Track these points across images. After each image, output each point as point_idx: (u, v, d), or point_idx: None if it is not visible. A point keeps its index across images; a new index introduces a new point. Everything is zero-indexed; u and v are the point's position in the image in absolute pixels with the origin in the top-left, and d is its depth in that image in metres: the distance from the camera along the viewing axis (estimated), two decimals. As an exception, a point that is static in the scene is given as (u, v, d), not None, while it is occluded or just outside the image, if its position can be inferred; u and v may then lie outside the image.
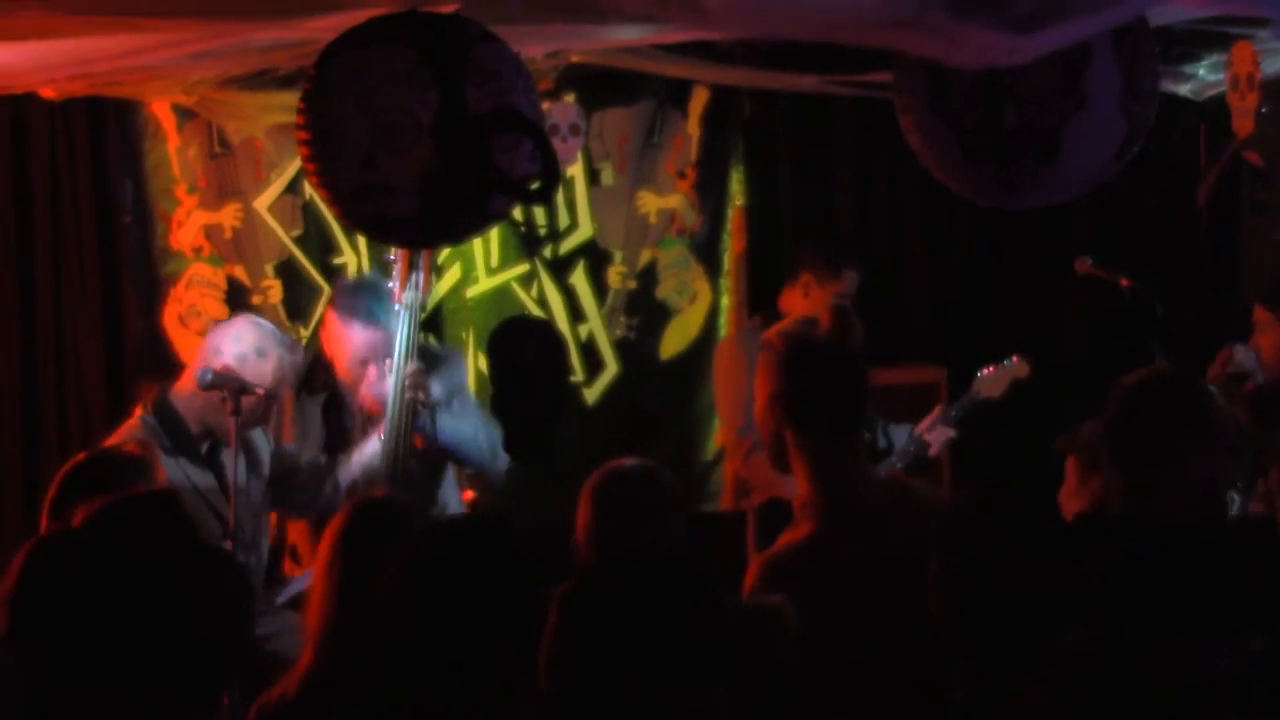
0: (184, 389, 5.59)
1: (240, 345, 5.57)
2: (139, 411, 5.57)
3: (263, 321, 5.86)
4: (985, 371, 6.70)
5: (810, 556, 3.90)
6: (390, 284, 5.80)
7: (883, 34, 4.18)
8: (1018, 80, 4.23)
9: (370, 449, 5.84)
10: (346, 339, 5.92)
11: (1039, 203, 4.62)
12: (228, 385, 5.55)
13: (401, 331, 5.71)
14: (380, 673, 3.28)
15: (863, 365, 4.10)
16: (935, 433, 6.55)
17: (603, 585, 2.84)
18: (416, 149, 4.57)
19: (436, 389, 5.87)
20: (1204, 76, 6.79)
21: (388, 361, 5.77)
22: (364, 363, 5.89)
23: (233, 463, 5.47)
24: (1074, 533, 3.81)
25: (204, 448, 5.58)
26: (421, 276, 5.73)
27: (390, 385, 5.74)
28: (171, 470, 5.28)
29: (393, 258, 5.81)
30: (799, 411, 3.97)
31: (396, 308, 5.75)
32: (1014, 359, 6.71)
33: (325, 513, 5.82)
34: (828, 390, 3.99)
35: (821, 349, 4.11)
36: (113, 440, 5.43)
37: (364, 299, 5.92)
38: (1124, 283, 6.45)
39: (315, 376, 6.13)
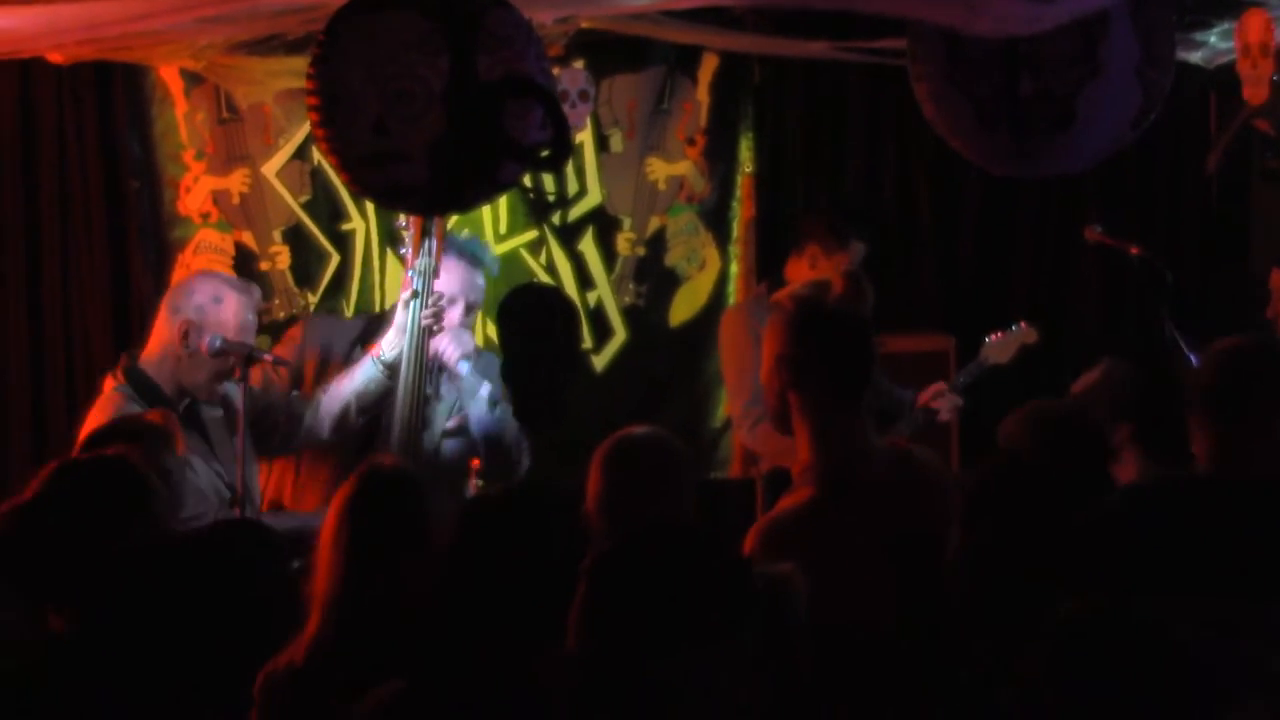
0: (152, 353, 5.57)
1: (196, 297, 5.55)
2: (110, 383, 5.55)
3: (214, 271, 5.85)
4: (993, 337, 6.70)
5: (809, 522, 3.91)
6: (403, 250, 5.80)
7: (900, 2, 4.17)
8: (1034, 47, 4.23)
9: (363, 373, 5.81)
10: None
11: (1054, 171, 4.62)
12: (236, 352, 5.55)
13: (415, 303, 5.71)
14: (389, 638, 3.28)
15: (872, 331, 4.10)
16: (943, 399, 6.54)
17: (631, 555, 2.84)
18: (427, 116, 4.57)
19: (486, 388, 5.92)
20: (1215, 44, 6.77)
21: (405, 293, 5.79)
22: (451, 300, 5.92)
23: (240, 427, 5.47)
24: (1160, 494, 3.80)
25: (182, 408, 5.55)
26: (435, 243, 5.73)
27: (407, 324, 5.74)
28: None
29: (405, 224, 5.80)
30: (805, 373, 3.97)
31: (410, 273, 5.75)
32: (1021, 325, 6.71)
33: (307, 442, 5.86)
34: (835, 354, 3.99)
35: (831, 312, 4.11)
36: (92, 417, 5.42)
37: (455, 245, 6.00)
38: (1133, 250, 6.45)
39: None
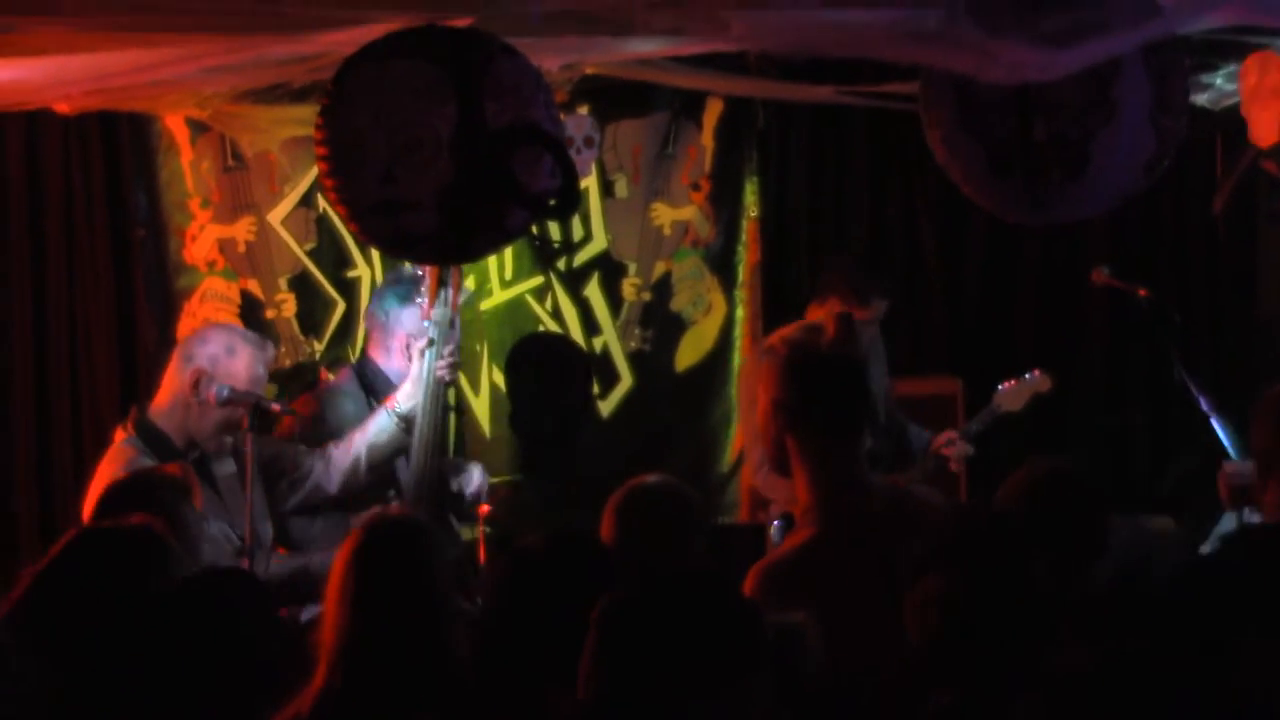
0: (162, 404, 5.54)
1: (209, 347, 5.53)
2: (120, 435, 5.52)
3: (229, 324, 5.84)
4: (1005, 386, 6.69)
5: (808, 562, 3.92)
6: (419, 300, 5.78)
7: (913, 50, 4.17)
8: (1047, 93, 4.22)
9: (376, 425, 5.79)
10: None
11: (1067, 218, 4.61)
12: (244, 401, 5.53)
13: (430, 351, 5.70)
14: (393, 691, 3.26)
15: (864, 372, 4.12)
16: (954, 447, 6.54)
17: (641, 603, 2.83)
18: (435, 164, 4.56)
19: None
20: (1221, 86, 6.77)
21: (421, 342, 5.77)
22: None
23: (248, 476, 5.43)
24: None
25: (191, 460, 5.52)
26: (451, 293, 5.73)
27: (422, 374, 5.73)
28: None
29: (421, 273, 5.79)
30: (800, 417, 3.99)
31: (426, 324, 5.74)
32: (1035, 373, 6.70)
33: (314, 496, 5.82)
34: (828, 396, 4.01)
35: (823, 355, 4.14)
36: (103, 470, 5.39)
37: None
38: (1141, 293, 6.43)
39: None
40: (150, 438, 5.46)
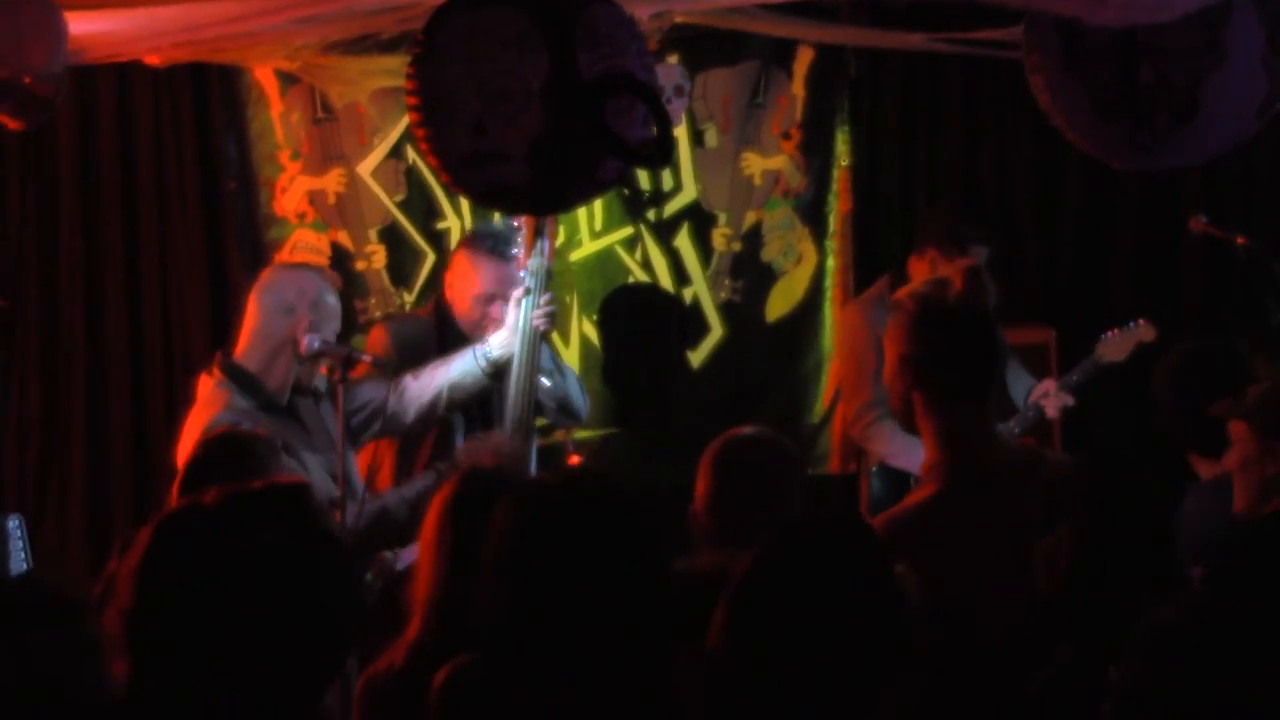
0: (251, 349, 5.58)
1: (306, 295, 5.58)
2: (208, 382, 5.55)
3: (304, 265, 5.87)
4: (1109, 334, 6.57)
5: (932, 518, 3.86)
6: (515, 250, 5.79)
7: (1024, -8, 4.09)
8: (1155, 37, 4.13)
9: (461, 364, 5.81)
10: (474, 274, 6.01)
11: (1176, 163, 4.52)
12: (334, 354, 5.56)
13: (526, 301, 5.72)
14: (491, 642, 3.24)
15: (996, 327, 4.03)
16: (1052, 398, 6.44)
17: (790, 553, 2.80)
18: (526, 114, 4.52)
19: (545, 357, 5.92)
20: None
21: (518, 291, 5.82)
22: (490, 298, 5.96)
23: (339, 427, 5.46)
24: None
25: (283, 402, 5.56)
26: (547, 243, 5.73)
27: (519, 323, 5.74)
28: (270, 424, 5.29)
29: (517, 224, 5.79)
30: (928, 373, 3.92)
31: (522, 274, 5.75)
32: (1140, 322, 6.57)
33: (388, 428, 5.85)
34: (958, 352, 3.94)
35: (952, 310, 4.04)
36: (197, 414, 5.43)
37: (491, 236, 6.04)
38: (1240, 240, 6.34)
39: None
40: (241, 380, 5.49)
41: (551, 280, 5.82)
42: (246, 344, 5.60)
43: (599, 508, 3.01)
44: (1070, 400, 6.46)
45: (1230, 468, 4.14)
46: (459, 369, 5.81)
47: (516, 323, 5.74)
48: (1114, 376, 6.62)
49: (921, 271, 6.33)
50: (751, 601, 2.74)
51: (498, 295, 5.93)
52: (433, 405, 5.83)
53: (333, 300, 5.64)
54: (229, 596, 2.68)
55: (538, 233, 5.74)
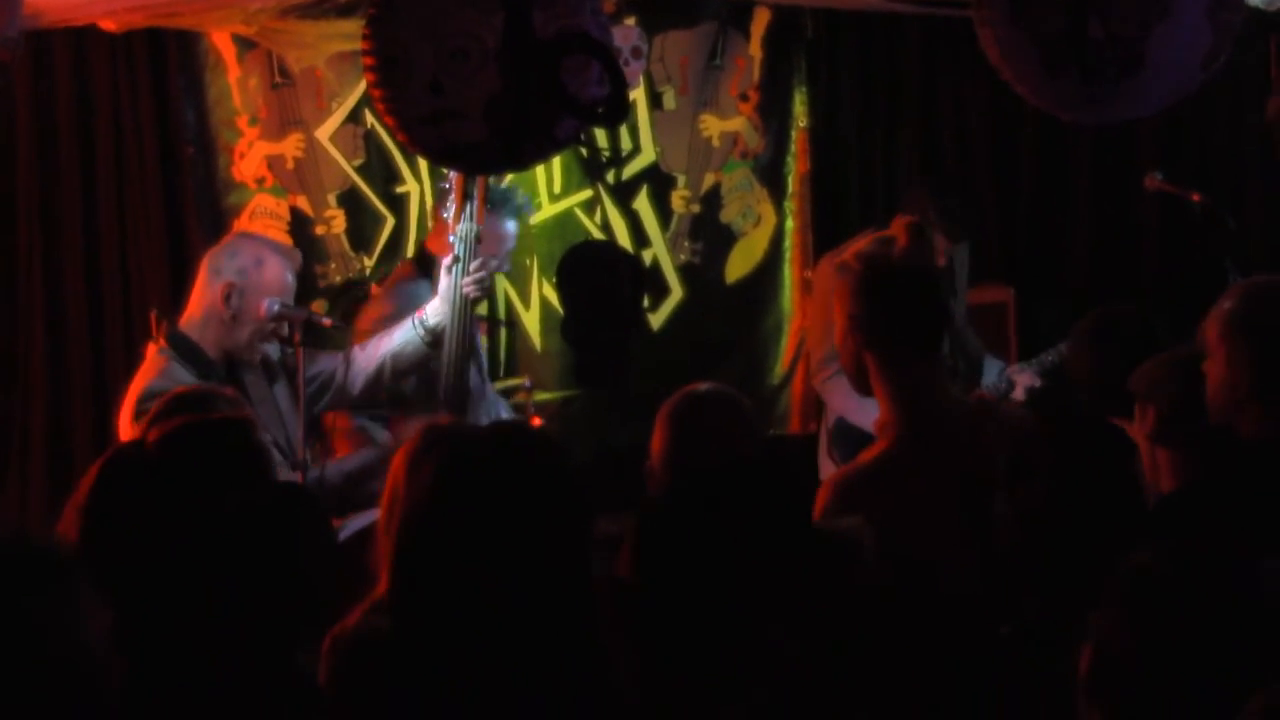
0: (194, 316, 5.54)
1: (237, 259, 5.52)
2: (152, 349, 5.54)
3: (256, 234, 5.83)
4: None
5: (886, 474, 3.88)
6: (445, 214, 5.76)
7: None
8: (1103, -11, 4.16)
9: (402, 334, 5.79)
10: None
11: (1124, 115, 4.55)
12: (295, 317, 5.55)
13: (459, 265, 5.69)
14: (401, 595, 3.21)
15: (941, 284, 4.05)
16: (1022, 375, 6.48)
17: (693, 492, 2.83)
18: (482, 73, 4.54)
19: None
20: (1276, -14, 6.68)
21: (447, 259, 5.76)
22: None
23: (300, 390, 5.45)
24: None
25: (218, 369, 5.54)
26: (475, 206, 5.69)
27: (449, 290, 5.72)
28: None
29: (448, 186, 5.76)
30: (878, 332, 3.94)
31: (450, 238, 5.72)
32: None
33: (336, 400, 5.84)
34: (905, 310, 3.95)
35: (898, 268, 4.06)
36: (139, 380, 5.42)
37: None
38: (1195, 198, 6.37)
39: None
40: (183, 349, 5.46)
41: (480, 245, 5.75)
42: (189, 311, 5.59)
43: (522, 454, 2.98)
44: (1037, 382, 6.47)
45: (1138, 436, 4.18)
46: (400, 338, 5.78)
47: (447, 291, 5.72)
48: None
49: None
50: (656, 532, 2.76)
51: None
52: (378, 375, 5.79)
53: (272, 270, 5.53)
54: (170, 535, 2.69)
55: (467, 196, 5.69)
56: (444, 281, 5.74)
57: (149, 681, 2.73)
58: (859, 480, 3.90)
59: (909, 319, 3.94)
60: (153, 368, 5.43)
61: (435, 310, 5.74)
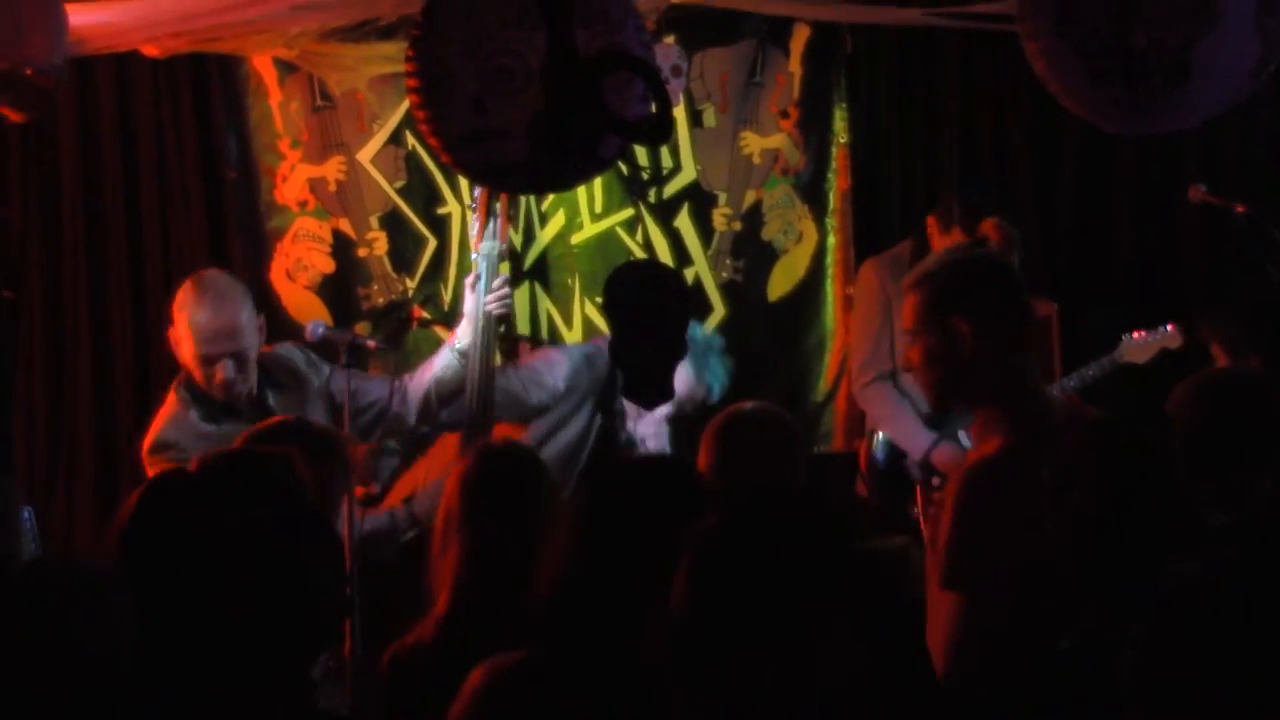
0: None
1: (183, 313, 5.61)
2: (173, 388, 5.63)
3: (192, 280, 5.82)
4: (1135, 335, 6.58)
5: (1015, 467, 3.83)
6: (470, 232, 5.79)
7: (1010, -42, 4.12)
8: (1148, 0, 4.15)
9: (440, 361, 5.81)
10: None
11: (1170, 126, 4.54)
12: (338, 340, 5.58)
13: (481, 283, 5.71)
14: (518, 615, 3.27)
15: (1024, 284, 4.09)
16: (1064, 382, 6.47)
17: (740, 523, 2.83)
18: (526, 92, 4.55)
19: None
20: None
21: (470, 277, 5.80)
22: None
23: (345, 415, 5.47)
24: None
25: (248, 399, 5.57)
26: (498, 224, 5.71)
27: (474, 310, 5.73)
28: (221, 436, 5.27)
29: (472, 205, 5.78)
30: (992, 328, 3.92)
31: (474, 256, 5.73)
32: (1169, 327, 6.56)
33: (393, 429, 5.86)
34: (1015, 305, 3.95)
35: (1005, 265, 4.09)
36: (155, 425, 5.50)
37: None
38: (1239, 209, 6.35)
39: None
40: (194, 391, 5.52)
41: (503, 262, 5.76)
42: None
43: (680, 490, 3.04)
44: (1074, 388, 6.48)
45: None
46: (440, 363, 5.82)
47: (472, 311, 5.73)
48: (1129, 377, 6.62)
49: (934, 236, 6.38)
50: (709, 566, 2.76)
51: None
52: (425, 403, 5.84)
53: (184, 317, 5.59)
54: (206, 563, 2.72)
55: (490, 215, 5.71)
56: (469, 301, 5.76)
57: (167, 691, 2.77)
58: (996, 470, 3.84)
59: (1018, 313, 3.95)
60: (166, 412, 5.51)
61: (464, 332, 5.77)
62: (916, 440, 6.32)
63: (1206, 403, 3.97)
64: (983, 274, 3.97)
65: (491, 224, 5.74)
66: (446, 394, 5.82)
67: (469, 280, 5.75)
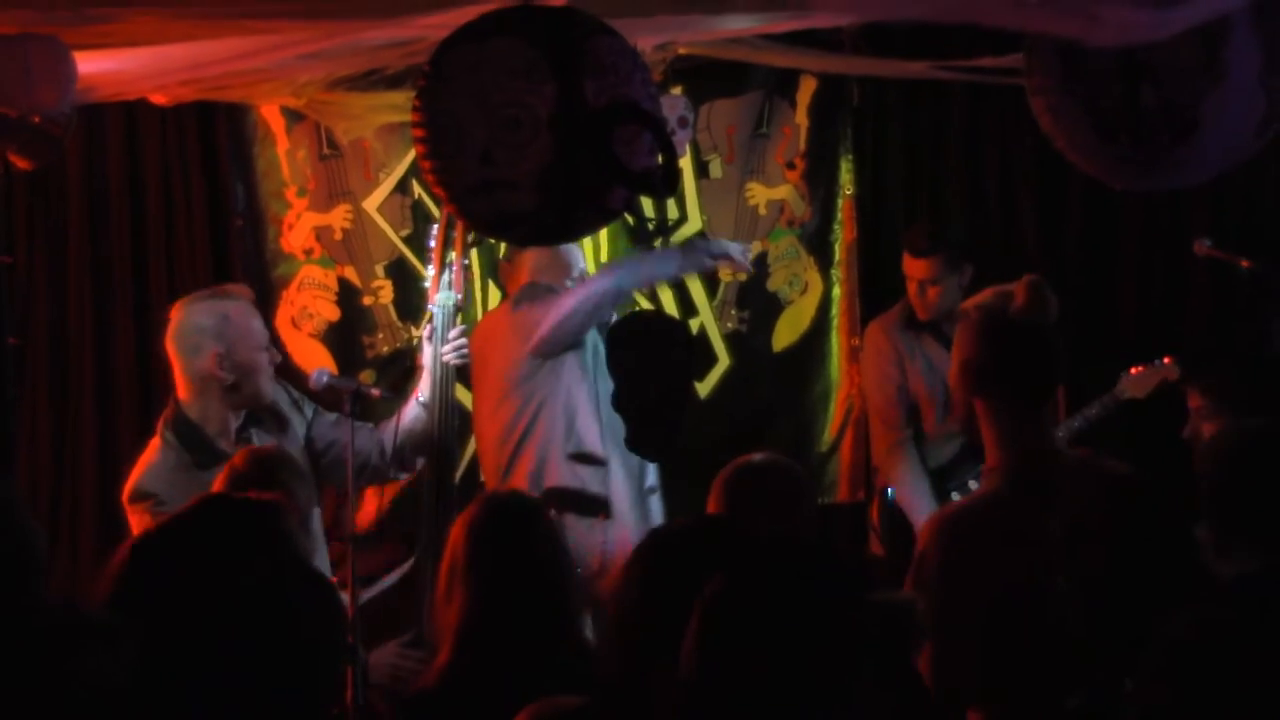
0: (189, 400, 5.60)
1: (207, 327, 5.58)
2: (158, 432, 5.59)
3: (195, 298, 5.83)
4: (1133, 371, 6.59)
5: (991, 514, 3.91)
6: (425, 284, 5.80)
7: (1017, 14, 4.13)
8: (1155, 57, 4.17)
9: (409, 413, 5.83)
10: None
11: (1177, 183, 4.56)
12: (343, 388, 5.58)
13: (437, 334, 5.73)
14: (520, 668, 3.26)
15: (1057, 338, 4.13)
16: (1068, 423, 6.47)
17: (750, 580, 2.81)
18: (534, 143, 4.54)
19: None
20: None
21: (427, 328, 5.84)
22: None
23: (349, 463, 5.45)
24: None
25: (224, 444, 5.54)
26: (452, 276, 5.72)
27: (431, 358, 5.76)
28: (204, 485, 5.23)
29: (426, 256, 5.82)
30: (989, 380, 3.99)
31: (430, 307, 5.75)
32: (1165, 360, 6.58)
33: (373, 478, 5.88)
34: (1018, 361, 4.00)
35: (1012, 320, 4.14)
36: (135, 470, 5.49)
37: None
38: (1244, 264, 6.35)
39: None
40: (183, 432, 5.48)
41: (460, 314, 5.78)
42: (181, 396, 5.61)
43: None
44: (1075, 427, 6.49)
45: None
46: (408, 417, 5.85)
47: (430, 362, 5.75)
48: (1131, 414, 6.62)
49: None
50: (719, 628, 2.75)
51: None
52: (400, 454, 5.87)
53: (239, 317, 5.59)
54: (196, 613, 2.71)
55: (445, 265, 5.73)
56: (426, 353, 5.79)
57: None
58: (964, 517, 3.95)
59: (1021, 370, 4.01)
60: (148, 459, 5.48)
61: (425, 386, 5.80)
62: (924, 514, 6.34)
63: (1240, 456, 3.97)
64: (990, 331, 4.07)
65: (447, 274, 5.76)
66: (418, 444, 5.86)
67: (424, 332, 5.78)
